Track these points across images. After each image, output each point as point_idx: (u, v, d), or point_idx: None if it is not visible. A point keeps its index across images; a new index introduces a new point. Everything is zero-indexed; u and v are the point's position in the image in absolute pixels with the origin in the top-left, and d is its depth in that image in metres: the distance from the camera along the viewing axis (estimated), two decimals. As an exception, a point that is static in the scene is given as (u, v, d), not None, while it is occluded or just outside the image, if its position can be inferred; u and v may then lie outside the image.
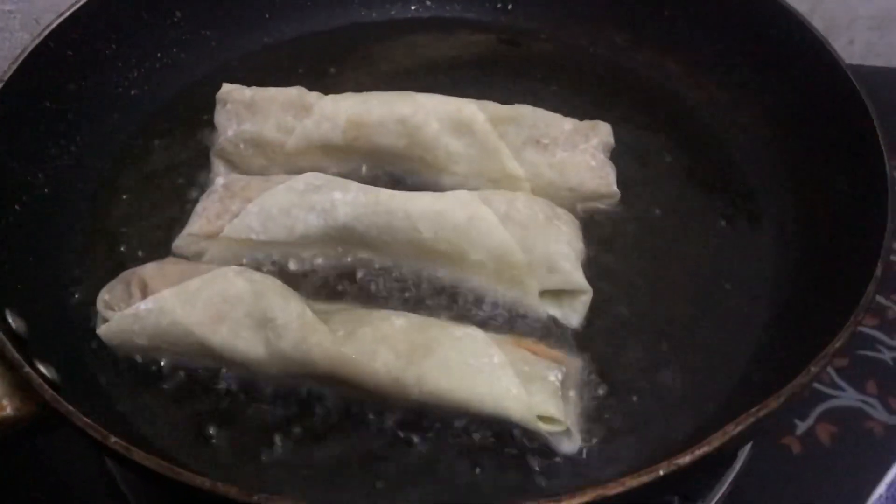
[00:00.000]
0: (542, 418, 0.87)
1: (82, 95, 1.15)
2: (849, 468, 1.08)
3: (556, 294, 1.00)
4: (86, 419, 0.74)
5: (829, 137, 1.08)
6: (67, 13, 1.12)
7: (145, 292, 0.95)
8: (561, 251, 1.00)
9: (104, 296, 0.97)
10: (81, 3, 1.13)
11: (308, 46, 1.35)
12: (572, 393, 0.93)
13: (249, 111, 1.12)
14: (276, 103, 1.12)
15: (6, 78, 1.03)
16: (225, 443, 0.90)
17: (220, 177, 1.09)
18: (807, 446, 1.11)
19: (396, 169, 1.13)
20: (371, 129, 1.10)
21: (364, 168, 1.14)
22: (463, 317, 0.99)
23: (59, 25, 1.10)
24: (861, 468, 1.07)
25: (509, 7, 1.40)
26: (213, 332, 0.92)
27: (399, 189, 1.04)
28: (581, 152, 1.10)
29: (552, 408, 0.87)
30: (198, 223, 1.04)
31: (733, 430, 0.74)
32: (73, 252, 1.07)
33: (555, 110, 1.15)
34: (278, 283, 0.96)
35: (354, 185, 1.03)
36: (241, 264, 1.01)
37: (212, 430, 0.91)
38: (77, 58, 1.14)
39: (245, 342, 0.92)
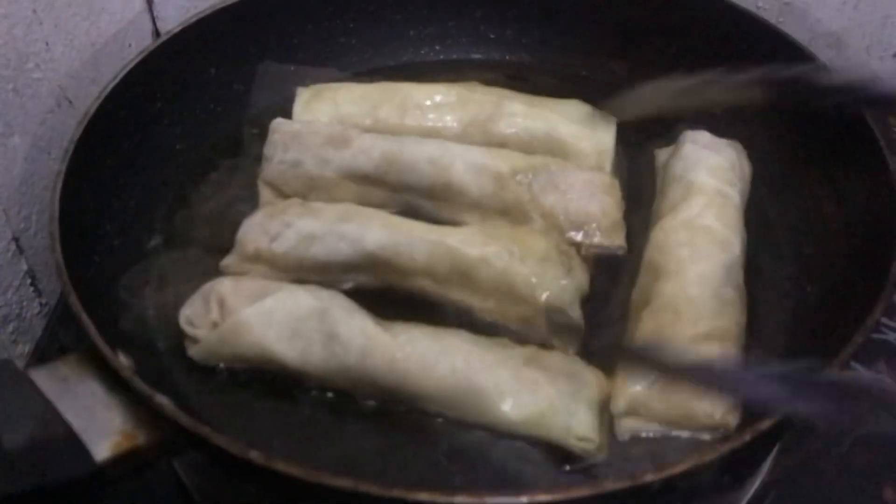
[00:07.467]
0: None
1: (137, 152, 1.22)
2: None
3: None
4: (223, 437, 0.81)
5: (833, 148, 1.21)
6: (122, 73, 1.19)
7: (223, 307, 1.01)
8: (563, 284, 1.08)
9: (185, 311, 1.03)
10: (133, 64, 1.21)
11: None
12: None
13: (295, 141, 1.22)
14: (320, 136, 1.22)
15: (75, 139, 1.09)
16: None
17: (263, 201, 1.18)
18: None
19: (424, 204, 1.22)
20: (401, 166, 1.20)
21: (394, 199, 1.23)
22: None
23: (114, 88, 1.17)
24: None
25: (513, 44, 1.51)
26: (289, 349, 1.00)
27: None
28: (598, 202, 1.18)
29: (589, 429, 0.96)
30: (240, 247, 1.12)
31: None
32: (148, 303, 1.12)
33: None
34: (342, 298, 1.04)
35: (382, 216, 1.13)
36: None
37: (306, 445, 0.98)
38: (130, 117, 1.21)
39: (317, 359, 0.99)
